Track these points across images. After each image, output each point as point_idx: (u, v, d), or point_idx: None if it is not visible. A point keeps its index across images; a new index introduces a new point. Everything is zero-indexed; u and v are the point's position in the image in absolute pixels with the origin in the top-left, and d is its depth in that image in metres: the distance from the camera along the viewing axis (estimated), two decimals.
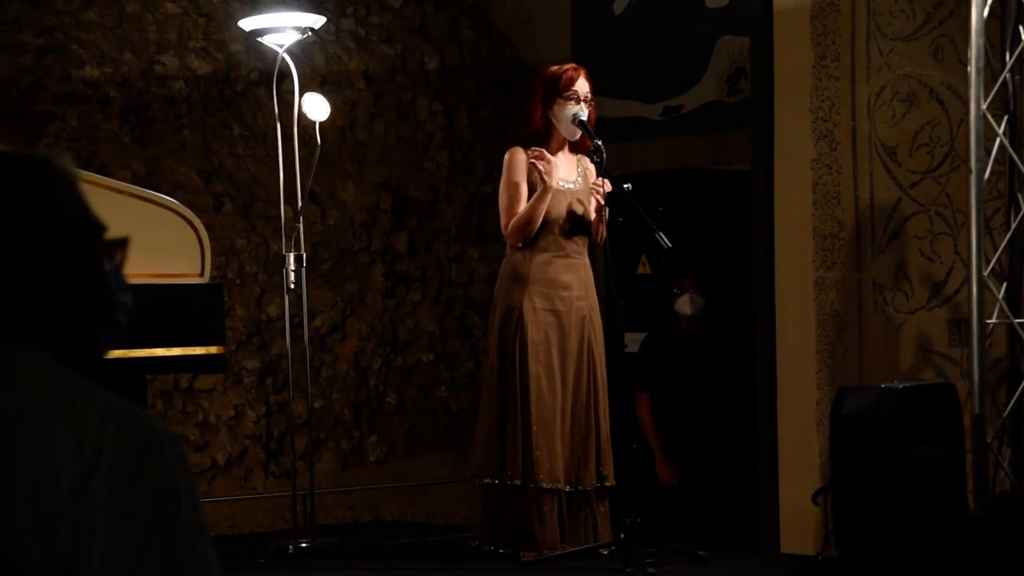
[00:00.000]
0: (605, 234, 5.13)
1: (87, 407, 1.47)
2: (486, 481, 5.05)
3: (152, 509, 1.44)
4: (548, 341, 5.05)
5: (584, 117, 5.10)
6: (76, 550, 1.43)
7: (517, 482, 4.98)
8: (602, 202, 5.09)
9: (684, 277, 6.77)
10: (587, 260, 5.22)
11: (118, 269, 1.58)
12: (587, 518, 5.08)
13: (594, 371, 5.10)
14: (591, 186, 5.15)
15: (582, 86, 5.14)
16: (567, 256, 5.13)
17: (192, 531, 1.45)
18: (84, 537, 1.43)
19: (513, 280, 5.13)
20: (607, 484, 5.09)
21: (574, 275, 5.13)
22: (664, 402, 6.69)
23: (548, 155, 5.11)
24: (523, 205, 5.13)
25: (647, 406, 6.68)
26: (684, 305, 6.72)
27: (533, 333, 5.04)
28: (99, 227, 1.57)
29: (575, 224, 5.15)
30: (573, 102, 5.12)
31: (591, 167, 5.20)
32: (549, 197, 5.08)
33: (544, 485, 4.95)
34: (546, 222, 5.11)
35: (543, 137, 5.18)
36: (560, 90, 5.13)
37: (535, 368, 5.01)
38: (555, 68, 5.24)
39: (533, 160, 5.09)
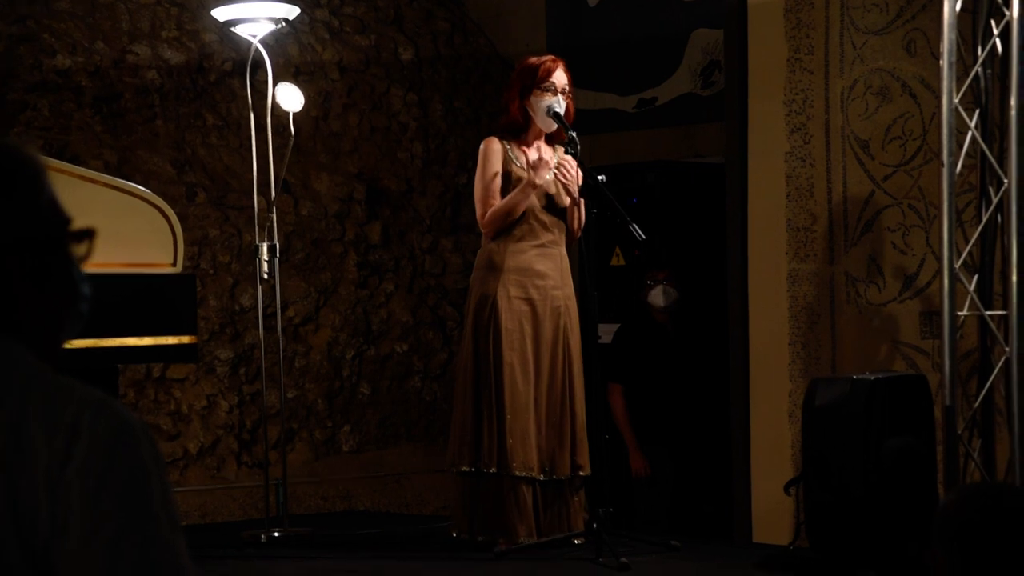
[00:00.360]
0: (583, 220, 5.13)
1: (63, 399, 1.48)
2: (463, 469, 5.06)
3: (125, 503, 1.44)
4: (522, 330, 5.06)
5: (560, 109, 5.10)
6: (52, 541, 1.44)
7: (492, 470, 4.99)
8: (575, 192, 5.10)
9: (657, 269, 6.79)
10: (563, 250, 5.22)
11: (79, 260, 1.60)
12: (561, 508, 5.10)
13: (569, 360, 5.11)
14: (557, 167, 5.14)
15: (560, 78, 5.14)
16: (542, 246, 5.14)
17: (164, 526, 1.46)
18: (58, 529, 1.43)
19: (488, 269, 5.14)
20: (581, 474, 5.10)
21: (549, 264, 5.14)
22: (637, 394, 6.71)
23: (546, 158, 5.11)
24: (498, 196, 5.13)
25: (620, 397, 6.69)
26: (657, 297, 6.74)
27: (507, 321, 5.05)
28: (68, 220, 1.58)
29: (551, 214, 5.16)
30: (550, 94, 5.12)
31: (567, 158, 5.21)
32: (531, 193, 5.09)
33: (518, 473, 4.96)
34: (528, 212, 5.12)
35: (520, 128, 5.19)
36: (537, 81, 5.13)
37: (509, 356, 5.02)
38: (534, 59, 5.24)
39: (532, 163, 5.07)
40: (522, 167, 5.16)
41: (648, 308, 6.79)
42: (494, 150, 5.17)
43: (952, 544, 2.02)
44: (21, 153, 1.57)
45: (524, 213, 5.12)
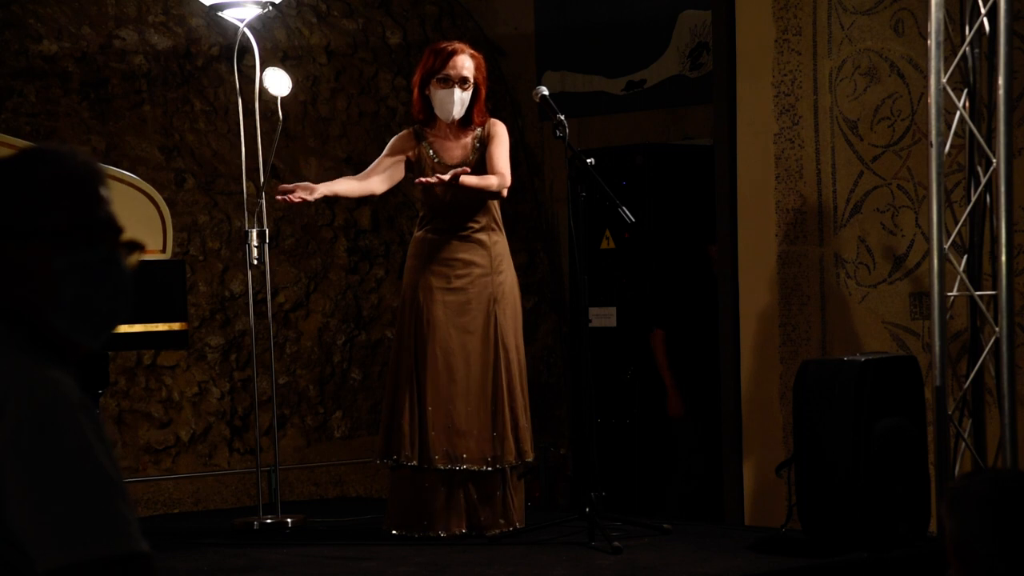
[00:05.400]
0: (486, 184, 4.94)
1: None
2: (384, 462, 5.03)
3: (57, 472, 1.56)
4: (447, 320, 4.98)
5: (545, 92, 5.05)
6: None
7: (414, 463, 4.95)
8: (439, 180, 4.91)
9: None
10: (496, 235, 5.08)
11: (113, 268, 1.82)
12: (496, 498, 5.01)
13: (503, 348, 5.01)
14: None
15: (456, 66, 4.97)
16: (467, 234, 5.03)
17: (100, 492, 1.56)
18: None
19: (415, 260, 5.07)
20: (524, 461, 5.04)
21: (476, 252, 5.03)
22: (681, 340, 6.78)
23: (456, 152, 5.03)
24: (378, 166, 5.10)
25: (661, 343, 6.78)
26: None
27: (430, 313, 4.97)
28: (93, 221, 1.80)
29: (471, 202, 5.02)
30: (444, 85, 4.97)
31: (496, 132, 5.08)
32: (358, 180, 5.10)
33: (441, 467, 4.92)
34: (442, 202, 5.03)
35: (425, 120, 5.07)
36: (435, 71, 4.98)
37: (432, 347, 4.94)
38: (434, 47, 5.08)
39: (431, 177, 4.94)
40: (432, 156, 5.07)
41: (710, 260, 6.79)
42: (400, 136, 5.15)
43: (990, 530, 1.98)
44: (62, 154, 1.73)
45: (444, 204, 5.01)
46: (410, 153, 5.11)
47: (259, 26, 6.05)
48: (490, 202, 5.08)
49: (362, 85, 7.82)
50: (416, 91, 5.07)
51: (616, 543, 4.66)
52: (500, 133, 5.08)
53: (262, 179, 5.77)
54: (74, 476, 1.55)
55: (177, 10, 7.23)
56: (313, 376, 7.51)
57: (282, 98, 5.62)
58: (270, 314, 5.95)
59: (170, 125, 7.17)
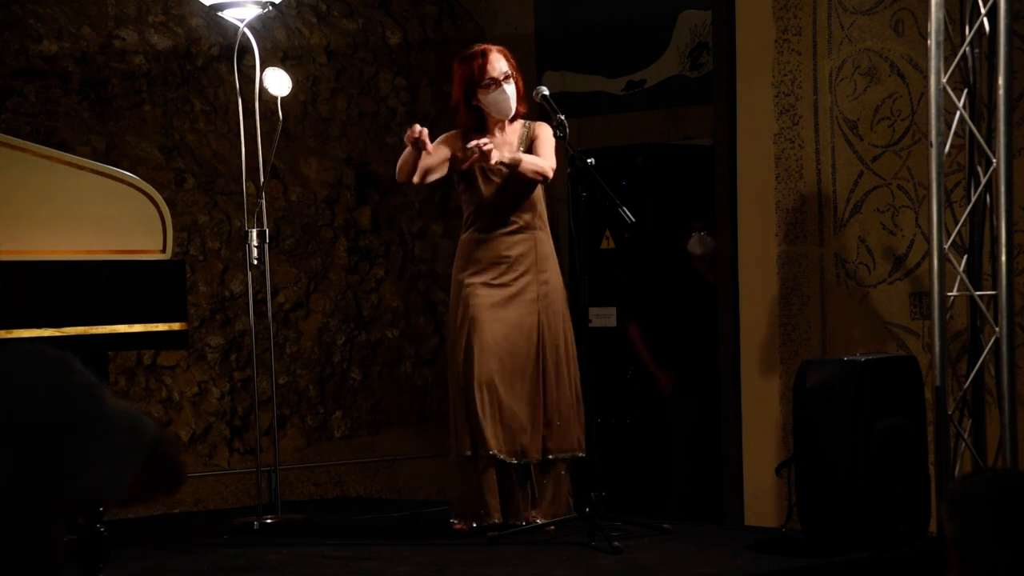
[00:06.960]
0: (535, 167, 5.04)
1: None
2: (453, 456, 5.09)
3: (82, 407, 1.84)
4: (495, 316, 5.04)
5: (546, 92, 5.07)
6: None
7: (467, 453, 5.01)
8: (493, 160, 4.96)
9: (695, 219, 6.78)
10: (542, 233, 5.15)
11: None
12: (542, 491, 5.06)
13: (550, 344, 5.06)
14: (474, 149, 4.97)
15: (496, 67, 5.07)
16: (514, 232, 5.09)
17: (116, 404, 1.85)
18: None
19: (462, 258, 5.13)
20: (563, 456, 5.08)
21: (522, 249, 5.10)
22: (659, 329, 6.77)
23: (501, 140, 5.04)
24: (418, 156, 5.04)
25: (638, 333, 6.80)
26: (694, 245, 6.75)
27: (477, 310, 5.02)
28: None
29: (520, 198, 5.09)
30: (493, 87, 5.06)
31: (541, 133, 5.16)
32: (422, 158, 4.99)
33: (499, 456, 4.97)
34: (490, 199, 5.08)
35: (476, 127, 5.12)
36: (477, 81, 5.07)
37: (479, 342, 4.99)
38: (466, 56, 5.15)
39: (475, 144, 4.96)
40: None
41: (690, 258, 6.80)
42: (452, 134, 5.15)
43: (990, 530, 1.97)
44: None
45: (494, 201, 5.09)
46: (458, 153, 5.13)
47: (259, 26, 6.05)
48: (535, 199, 5.12)
49: (362, 85, 7.82)
50: (462, 106, 5.12)
51: (616, 543, 4.66)
52: (544, 134, 5.16)
53: (262, 179, 5.77)
54: (107, 398, 1.83)
55: (177, 10, 7.23)
56: (313, 376, 7.51)
57: (282, 98, 5.62)
58: (270, 314, 5.95)
59: (170, 125, 7.17)
